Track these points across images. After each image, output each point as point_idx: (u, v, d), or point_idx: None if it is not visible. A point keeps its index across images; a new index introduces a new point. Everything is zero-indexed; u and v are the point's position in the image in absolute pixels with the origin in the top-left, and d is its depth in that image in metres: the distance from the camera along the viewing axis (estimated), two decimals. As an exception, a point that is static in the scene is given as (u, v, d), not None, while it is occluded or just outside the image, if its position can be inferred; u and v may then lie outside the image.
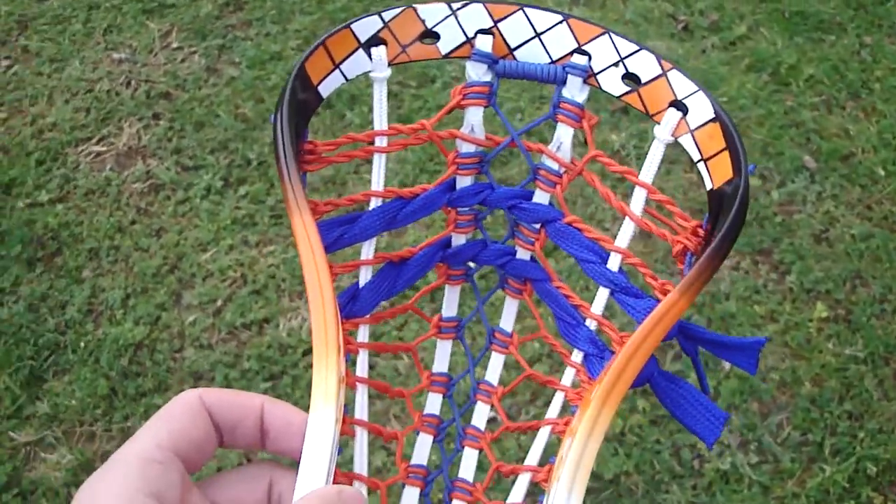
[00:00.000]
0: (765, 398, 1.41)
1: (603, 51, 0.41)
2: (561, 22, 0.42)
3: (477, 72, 0.42)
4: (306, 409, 0.36)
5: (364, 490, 0.39)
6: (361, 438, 0.40)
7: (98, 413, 1.37)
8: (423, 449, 0.45)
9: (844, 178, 1.73)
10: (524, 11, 0.42)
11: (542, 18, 0.42)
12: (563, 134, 0.42)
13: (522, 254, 0.45)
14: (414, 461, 0.44)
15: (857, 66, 1.94)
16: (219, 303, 1.50)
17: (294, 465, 0.33)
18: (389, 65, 0.42)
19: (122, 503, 0.29)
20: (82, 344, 1.45)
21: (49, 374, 1.42)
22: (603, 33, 0.41)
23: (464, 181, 0.44)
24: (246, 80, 1.85)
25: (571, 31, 0.41)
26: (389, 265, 0.43)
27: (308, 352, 1.42)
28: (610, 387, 0.34)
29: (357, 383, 0.41)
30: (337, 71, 0.41)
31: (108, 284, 1.53)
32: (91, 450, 1.34)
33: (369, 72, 0.42)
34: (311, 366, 1.27)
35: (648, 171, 0.40)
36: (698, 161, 0.39)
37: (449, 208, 0.44)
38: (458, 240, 0.46)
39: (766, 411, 1.40)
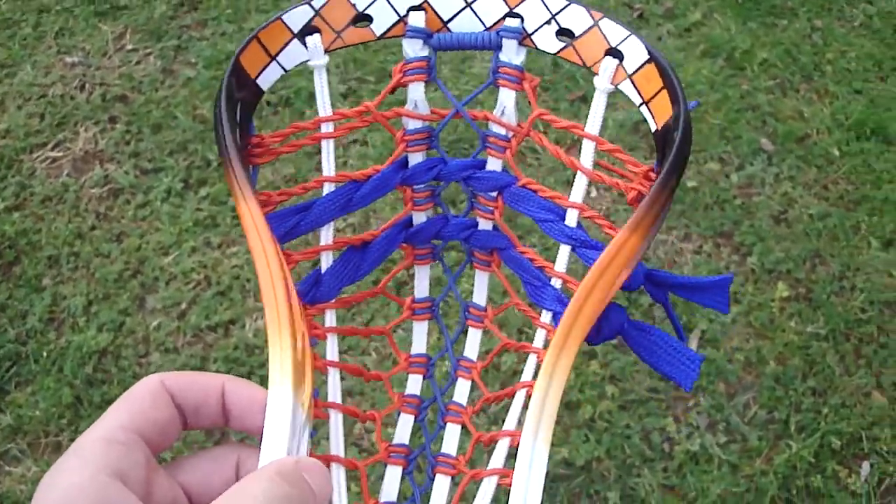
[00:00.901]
0: (731, 379, 1.43)
1: (534, 11, 0.42)
2: None
3: (413, 48, 0.42)
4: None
5: (342, 472, 0.39)
6: (336, 421, 0.40)
7: (63, 423, 1.35)
8: (404, 429, 0.45)
9: (801, 159, 1.75)
10: None
11: None
12: (506, 98, 0.42)
13: (484, 224, 0.45)
14: (395, 441, 0.44)
15: (809, 50, 1.97)
16: (183, 306, 1.48)
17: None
18: (326, 52, 0.42)
19: (84, 486, 0.29)
20: (45, 353, 1.42)
21: (11, 385, 1.40)
22: None
23: (415, 158, 0.44)
24: (203, 80, 1.83)
25: None
26: (351, 249, 0.43)
27: (276, 351, 1.41)
28: (567, 328, 0.34)
29: (328, 367, 0.41)
30: (274, 63, 0.41)
31: (70, 292, 1.50)
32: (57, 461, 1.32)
33: (307, 61, 0.42)
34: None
35: (594, 123, 0.40)
36: (640, 105, 0.40)
37: (404, 187, 0.44)
38: (419, 218, 0.45)
39: (733, 391, 1.42)
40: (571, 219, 0.41)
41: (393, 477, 0.43)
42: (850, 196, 1.70)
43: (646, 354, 0.39)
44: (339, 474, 0.39)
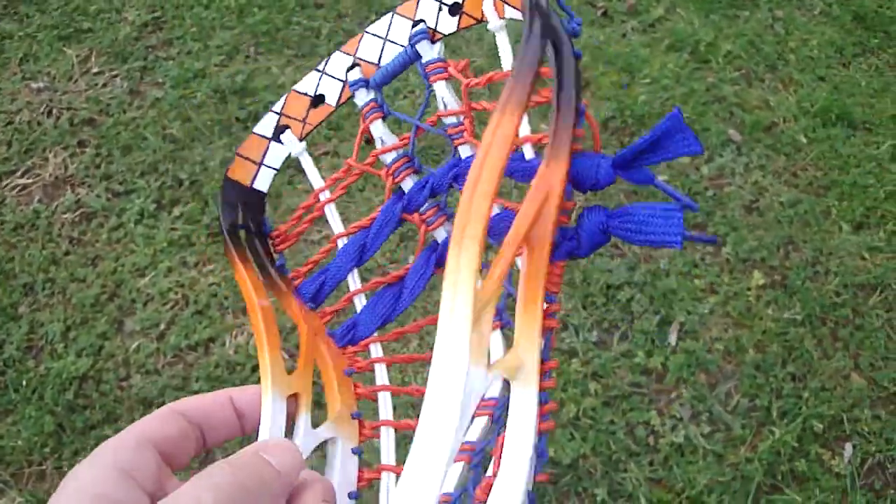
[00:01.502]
0: (711, 369, 1.44)
1: (428, 8, 0.46)
2: (392, 16, 0.46)
3: (360, 97, 0.47)
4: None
5: (392, 480, 0.43)
6: (388, 436, 0.44)
7: (46, 451, 1.34)
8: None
9: (769, 148, 1.77)
10: (367, 32, 0.47)
11: (380, 26, 0.47)
12: (441, 89, 0.45)
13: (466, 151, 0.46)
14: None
15: (771, 40, 2.00)
16: (162, 326, 1.47)
17: None
18: (301, 139, 0.48)
19: (92, 481, 0.31)
20: (24, 382, 1.41)
21: (-8, 416, 1.38)
22: None
23: (406, 184, 0.47)
24: (171, 99, 1.82)
25: (402, 15, 0.46)
26: (386, 287, 0.46)
27: (257, 367, 1.40)
28: (475, 177, 0.33)
29: (378, 392, 0.45)
30: (262, 167, 0.48)
31: (47, 318, 1.49)
32: (42, 489, 1.30)
33: (290, 154, 0.48)
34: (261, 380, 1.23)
35: (506, 61, 0.43)
36: (523, 14, 0.41)
37: (409, 214, 0.47)
38: (440, 235, 0.48)
39: (714, 381, 1.43)
40: (528, 152, 0.43)
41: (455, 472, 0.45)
42: (820, 182, 1.72)
43: (640, 238, 0.37)
44: (389, 481, 0.43)
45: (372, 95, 0.47)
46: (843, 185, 1.71)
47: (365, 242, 0.45)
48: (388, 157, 0.47)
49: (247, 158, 0.48)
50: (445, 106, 0.45)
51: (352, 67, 0.47)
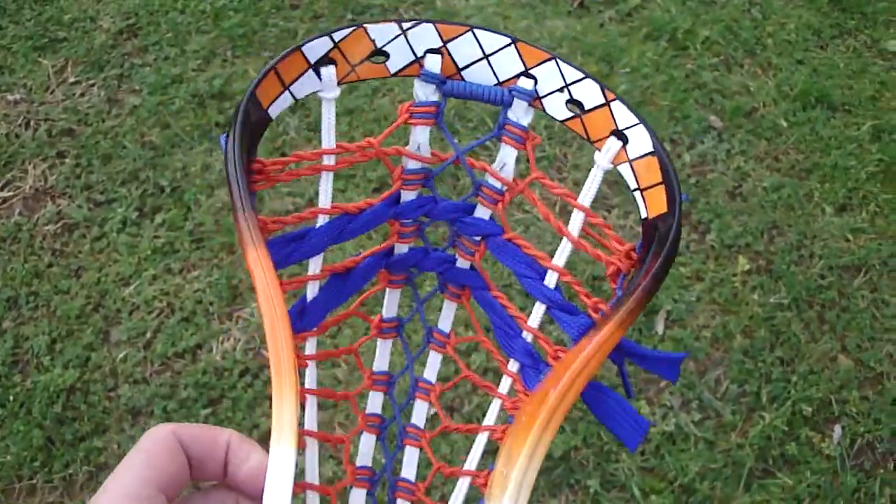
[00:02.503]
0: (700, 356, 1.45)
1: (549, 75, 0.42)
2: (510, 45, 0.42)
3: (425, 91, 0.43)
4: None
5: (317, 499, 0.40)
6: (312, 448, 0.41)
7: (36, 465, 1.33)
8: (367, 449, 0.46)
9: (750, 133, 1.78)
10: (473, 33, 0.42)
11: (491, 40, 0.42)
12: (507, 155, 0.43)
13: (462, 262, 0.46)
14: (359, 462, 0.46)
15: (749, 24, 2.00)
16: (148, 335, 1.47)
17: None
18: (339, 84, 0.42)
19: None
20: (11, 397, 1.40)
21: (-21, 432, 1.38)
22: (550, 59, 0.42)
23: (408, 196, 0.45)
24: (149, 106, 1.81)
25: (519, 54, 0.42)
26: (334, 277, 0.44)
27: (244, 372, 1.40)
28: (549, 416, 0.35)
29: (306, 395, 0.42)
30: (287, 92, 0.41)
31: (31, 332, 1.48)
32: None
33: (318, 91, 0.42)
34: (249, 386, 1.25)
35: (587, 195, 0.41)
36: (634, 190, 0.40)
37: (393, 220, 0.45)
38: (401, 249, 0.46)
39: (703, 369, 1.43)
40: (551, 280, 0.42)
41: (358, 499, 0.44)
42: (801, 165, 1.73)
43: (600, 413, 0.41)
44: (314, 501, 0.40)
45: (437, 98, 0.43)
46: (825, 168, 1.72)
47: (345, 229, 0.43)
48: (410, 163, 0.44)
49: (280, 77, 0.40)
50: (502, 168, 0.43)
51: (435, 51, 0.43)
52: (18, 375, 1.44)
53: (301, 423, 0.40)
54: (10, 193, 1.69)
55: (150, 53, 1.93)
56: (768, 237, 1.61)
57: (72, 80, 1.89)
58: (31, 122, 1.81)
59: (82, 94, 1.86)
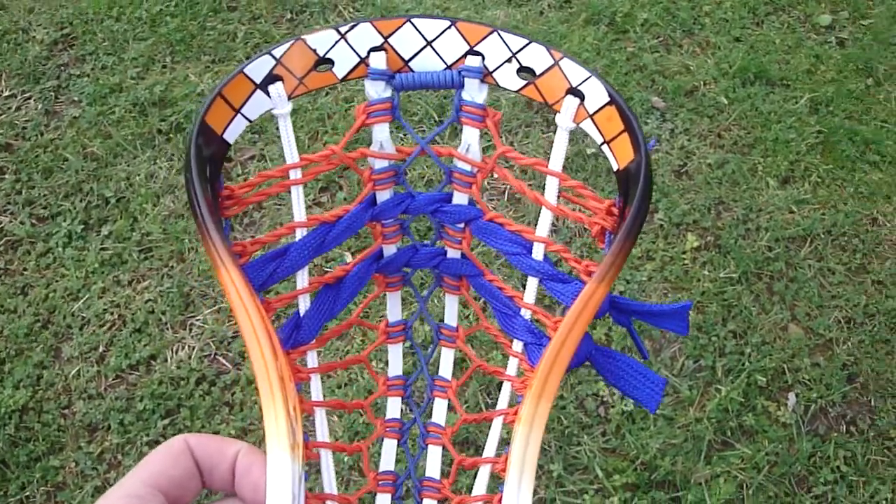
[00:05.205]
0: (655, 335, 1.46)
1: (494, 48, 0.42)
2: (450, 27, 0.42)
3: (376, 89, 0.42)
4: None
5: None
6: (327, 459, 0.41)
7: (-8, 488, 1.30)
8: (389, 454, 0.46)
9: (692, 111, 1.80)
10: (412, 23, 0.42)
11: (431, 26, 0.42)
12: (470, 136, 0.43)
13: (452, 253, 0.47)
14: (382, 468, 0.46)
15: (686, 5, 2.02)
16: (101, 349, 1.44)
17: None
18: (289, 98, 0.42)
19: None
20: (-39, 421, 1.37)
21: (-69, 459, 1.34)
22: (491, 32, 0.42)
23: (383, 195, 0.44)
24: (89, 117, 1.78)
25: (460, 33, 0.42)
26: (326, 288, 0.44)
27: (201, 380, 1.38)
28: (543, 380, 0.35)
29: (314, 407, 0.42)
30: (239, 116, 0.41)
31: (-21, 354, 1.45)
32: (-9, 527, 1.27)
33: (271, 109, 0.41)
34: (206, 393, 1.24)
35: (556, 160, 0.41)
36: (602, 143, 0.41)
37: (373, 223, 0.45)
38: (389, 250, 0.46)
39: (658, 347, 1.45)
40: (538, 252, 0.42)
41: None
42: (744, 140, 1.76)
43: (613, 379, 0.41)
44: None
45: (388, 94, 0.42)
46: (767, 142, 1.75)
47: (325, 239, 0.42)
48: (378, 163, 0.43)
49: (227, 102, 0.40)
50: (468, 150, 0.43)
51: (378, 49, 0.42)
52: (-32, 399, 1.40)
53: (312, 436, 0.41)
54: (-51, 213, 1.65)
55: (87, 63, 1.90)
56: (715, 213, 1.63)
57: (7, 93, 1.85)
58: (-33, 140, 1.77)
59: (18, 108, 1.82)
